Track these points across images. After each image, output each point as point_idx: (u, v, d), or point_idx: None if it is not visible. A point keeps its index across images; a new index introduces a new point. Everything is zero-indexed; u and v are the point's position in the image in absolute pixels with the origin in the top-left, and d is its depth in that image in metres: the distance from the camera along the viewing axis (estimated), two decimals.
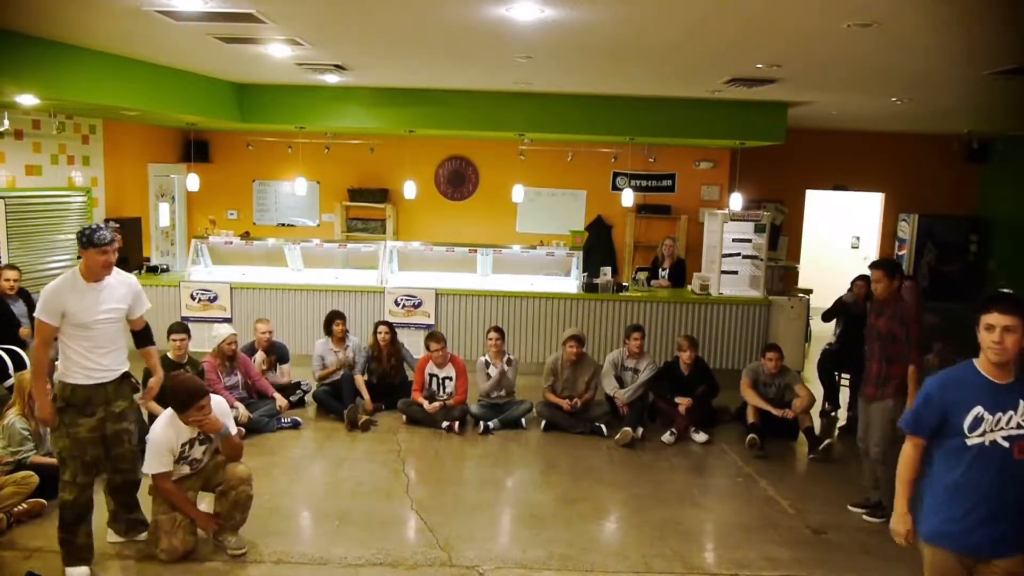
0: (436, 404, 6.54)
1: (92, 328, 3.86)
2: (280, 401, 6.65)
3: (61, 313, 3.82)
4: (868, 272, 5.25)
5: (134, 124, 8.95)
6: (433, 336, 6.75)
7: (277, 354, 7.07)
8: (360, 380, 6.89)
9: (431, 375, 6.71)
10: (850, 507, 5.15)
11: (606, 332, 8.35)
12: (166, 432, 4.11)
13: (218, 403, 4.35)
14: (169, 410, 4.19)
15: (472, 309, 8.40)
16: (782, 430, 6.45)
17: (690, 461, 6.10)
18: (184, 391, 4.10)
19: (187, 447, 4.19)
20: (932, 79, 6.08)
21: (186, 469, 4.25)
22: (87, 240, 3.88)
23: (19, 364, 5.87)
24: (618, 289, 8.52)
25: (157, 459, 4.07)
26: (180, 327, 6.26)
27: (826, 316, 7.69)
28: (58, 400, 3.85)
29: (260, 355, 6.94)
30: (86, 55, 6.04)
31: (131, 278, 4.18)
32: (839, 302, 7.51)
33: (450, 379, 6.68)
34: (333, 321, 7.03)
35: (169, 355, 6.14)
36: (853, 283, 7.41)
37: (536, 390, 6.98)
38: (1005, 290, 2.79)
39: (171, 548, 4.09)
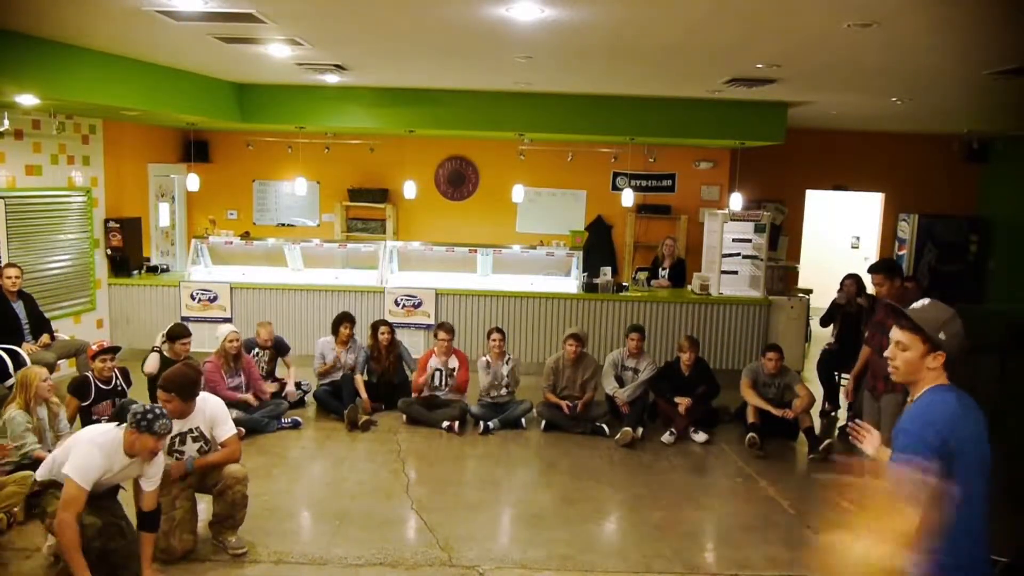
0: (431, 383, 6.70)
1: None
2: (289, 390, 6.91)
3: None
4: (864, 272, 5.27)
5: (134, 124, 8.94)
6: (443, 326, 6.82)
7: (277, 347, 7.12)
8: (359, 380, 6.90)
9: (436, 369, 6.73)
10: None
11: (606, 332, 8.35)
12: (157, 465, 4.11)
13: (216, 404, 4.35)
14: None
15: (472, 309, 8.40)
16: (782, 430, 6.45)
17: (690, 461, 6.10)
18: (189, 381, 4.16)
19: (177, 440, 4.20)
20: (932, 79, 6.08)
21: None
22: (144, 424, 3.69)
23: (19, 364, 5.87)
24: (618, 289, 8.52)
25: None
26: (186, 331, 6.27)
27: (823, 321, 7.69)
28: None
29: (265, 355, 7.05)
30: (86, 55, 6.03)
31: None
32: (833, 305, 7.52)
33: (454, 370, 6.72)
34: (341, 323, 7.03)
35: (167, 354, 6.16)
36: (842, 282, 7.42)
37: (536, 390, 6.98)
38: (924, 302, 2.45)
39: (170, 548, 4.09)
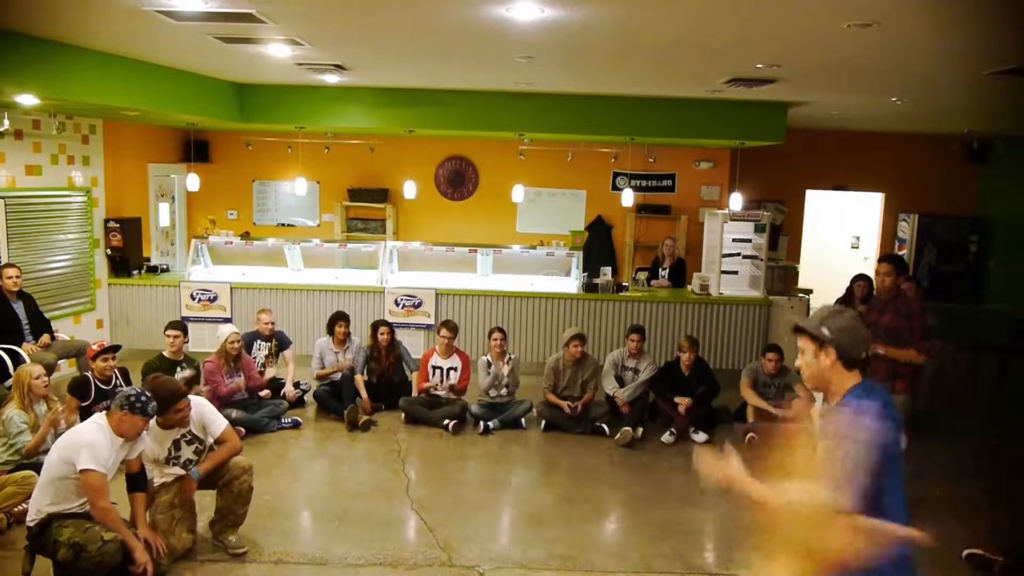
0: (434, 382, 6.74)
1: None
2: (287, 390, 6.91)
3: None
4: (867, 271, 5.29)
5: (134, 124, 8.94)
6: (446, 324, 6.84)
7: (278, 340, 7.14)
8: (360, 380, 6.90)
9: (435, 367, 6.74)
10: None
11: (606, 332, 8.35)
12: (142, 444, 4.10)
13: (201, 404, 4.35)
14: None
15: (472, 309, 8.40)
16: None
17: (690, 461, 6.09)
18: (164, 393, 4.07)
19: (172, 448, 4.21)
20: (932, 79, 6.08)
21: (178, 470, 4.25)
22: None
23: (19, 364, 5.87)
24: (618, 289, 8.52)
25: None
26: (177, 324, 6.32)
27: None
28: None
29: (266, 348, 7.07)
30: (86, 55, 6.03)
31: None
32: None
33: (455, 370, 6.73)
34: (336, 323, 7.04)
35: (165, 353, 6.17)
36: (854, 283, 7.39)
37: (536, 390, 6.98)
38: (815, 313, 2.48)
39: (170, 548, 4.09)
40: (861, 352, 2.40)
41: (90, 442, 3.71)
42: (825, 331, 2.39)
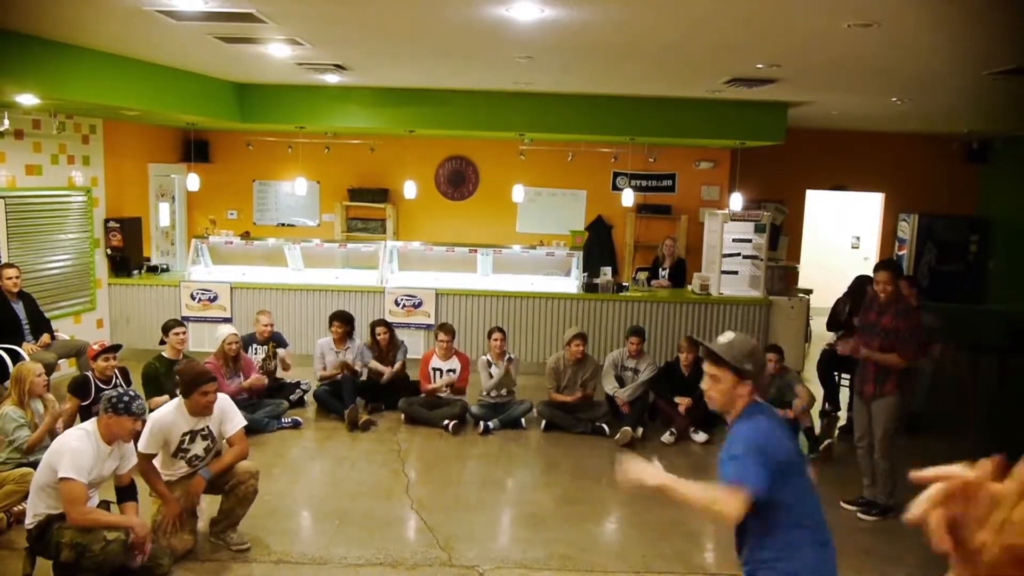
0: (440, 383, 6.71)
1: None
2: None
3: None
4: (868, 271, 5.29)
5: (134, 124, 8.94)
6: (444, 327, 6.83)
7: (275, 341, 7.14)
8: (373, 365, 6.98)
9: (435, 369, 6.75)
10: (842, 503, 5.16)
11: (606, 332, 8.35)
12: (164, 417, 4.14)
13: (224, 399, 4.36)
14: (176, 399, 4.23)
15: (472, 309, 8.40)
16: None
17: (690, 461, 6.10)
18: (191, 373, 4.16)
19: (186, 438, 4.20)
20: (932, 79, 6.08)
21: (184, 466, 4.25)
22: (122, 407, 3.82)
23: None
24: (618, 289, 8.52)
25: (146, 439, 4.08)
26: (178, 322, 6.35)
27: (830, 325, 7.65)
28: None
29: (263, 349, 7.05)
30: (86, 55, 6.03)
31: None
32: (841, 309, 7.44)
33: (454, 372, 6.74)
34: (332, 323, 7.04)
35: (165, 354, 6.16)
36: (867, 284, 7.34)
37: (536, 390, 6.99)
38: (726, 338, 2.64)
39: (171, 548, 4.09)
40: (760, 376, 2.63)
41: (73, 450, 3.69)
42: (748, 367, 2.53)
